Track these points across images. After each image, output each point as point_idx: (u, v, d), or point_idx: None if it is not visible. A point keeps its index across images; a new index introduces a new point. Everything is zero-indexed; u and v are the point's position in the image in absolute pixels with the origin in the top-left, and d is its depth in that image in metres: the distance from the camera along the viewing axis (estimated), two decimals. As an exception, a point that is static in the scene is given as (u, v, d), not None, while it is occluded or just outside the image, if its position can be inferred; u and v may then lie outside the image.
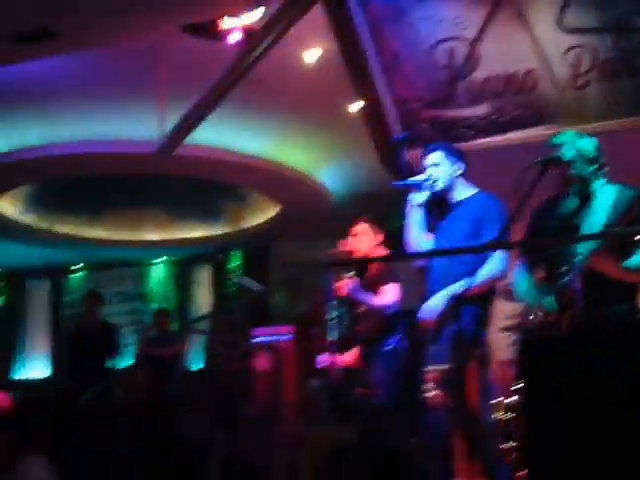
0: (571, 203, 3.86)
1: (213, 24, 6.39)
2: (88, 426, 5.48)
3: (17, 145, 9.15)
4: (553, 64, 5.22)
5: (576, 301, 3.61)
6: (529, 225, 4.01)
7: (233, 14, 6.20)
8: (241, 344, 6.73)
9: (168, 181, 10.39)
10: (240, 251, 13.02)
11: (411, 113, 5.67)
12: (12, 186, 10.35)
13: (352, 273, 5.53)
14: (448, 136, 5.26)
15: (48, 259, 13.44)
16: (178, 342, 9.98)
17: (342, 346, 5.63)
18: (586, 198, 3.83)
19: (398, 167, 4.77)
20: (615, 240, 3.63)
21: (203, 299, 13.37)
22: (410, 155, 5.16)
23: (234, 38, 6.25)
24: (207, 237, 12.46)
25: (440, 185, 4.37)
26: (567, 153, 3.81)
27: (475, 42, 5.35)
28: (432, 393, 4.17)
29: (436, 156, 4.41)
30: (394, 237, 5.35)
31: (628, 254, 3.66)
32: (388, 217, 5.79)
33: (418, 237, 4.38)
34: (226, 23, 6.32)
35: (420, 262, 4.60)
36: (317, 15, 5.62)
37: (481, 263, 4.08)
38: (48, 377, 13.52)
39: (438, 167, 4.38)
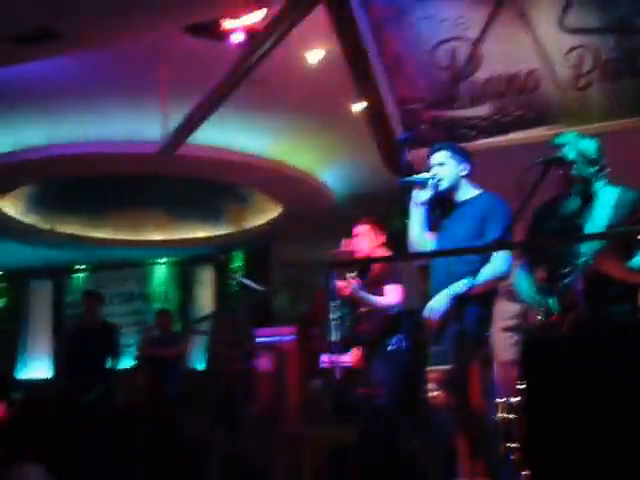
0: (573, 204, 3.86)
1: (215, 24, 6.40)
2: (89, 427, 5.48)
3: (19, 145, 9.16)
4: (555, 64, 5.22)
5: (578, 302, 3.61)
6: (530, 225, 4.01)
7: (235, 15, 6.22)
8: (243, 344, 6.74)
9: (170, 181, 10.40)
10: (242, 251, 13.04)
11: (413, 113, 5.67)
12: (15, 186, 10.37)
13: (354, 273, 5.53)
14: (450, 136, 5.26)
15: (50, 259, 13.45)
16: (180, 342, 9.98)
17: (344, 346, 5.63)
18: (588, 199, 3.83)
19: (400, 167, 4.76)
20: (619, 241, 3.63)
21: (205, 299, 13.38)
22: (412, 155, 5.16)
23: (237, 38, 6.26)
24: (209, 237, 12.47)
25: (445, 185, 4.36)
26: (569, 154, 3.81)
27: (477, 42, 5.35)
28: (434, 393, 4.17)
29: (442, 155, 4.40)
30: (396, 237, 5.35)
31: (631, 255, 3.66)
32: (390, 217, 5.78)
33: (419, 235, 4.38)
34: (228, 24, 6.33)
35: (422, 261, 4.59)
36: (319, 16, 5.62)
37: (484, 263, 4.08)
38: (50, 377, 13.54)
39: (443, 167, 4.37)
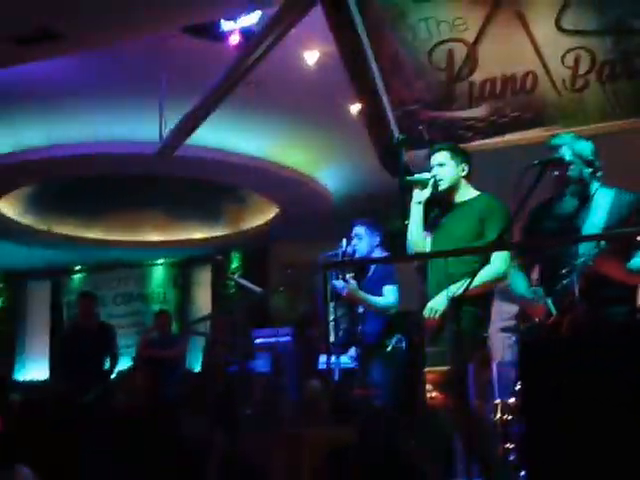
0: (569, 205, 3.87)
1: (214, 26, 6.41)
2: (88, 428, 5.48)
3: (19, 146, 9.16)
4: (552, 66, 5.22)
5: (577, 303, 3.62)
6: (526, 226, 4.02)
7: (233, 16, 6.22)
8: (241, 345, 6.74)
9: (168, 182, 10.40)
10: (240, 252, 13.03)
11: (410, 114, 5.67)
12: (15, 187, 10.37)
13: (352, 274, 5.54)
14: (447, 138, 5.25)
15: (49, 260, 13.45)
16: (178, 344, 9.97)
17: (342, 347, 5.64)
18: (584, 200, 3.84)
19: (397, 169, 4.77)
20: (618, 242, 3.64)
21: (203, 300, 13.38)
22: (409, 156, 5.16)
23: (234, 40, 6.27)
24: (207, 238, 12.47)
25: (445, 185, 4.38)
26: (566, 155, 3.83)
27: (474, 44, 5.35)
28: (432, 394, 4.18)
29: (442, 156, 4.42)
30: (394, 238, 5.36)
31: (630, 256, 3.67)
32: (388, 218, 5.79)
33: (418, 235, 4.39)
34: (226, 25, 6.33)
35: (420, 262, 4.60)
36: (316, 17, 5.62)
37: (482, 263, 4.09)
38: (49, 379, 13.52)
39: (443, 167, 4.39)
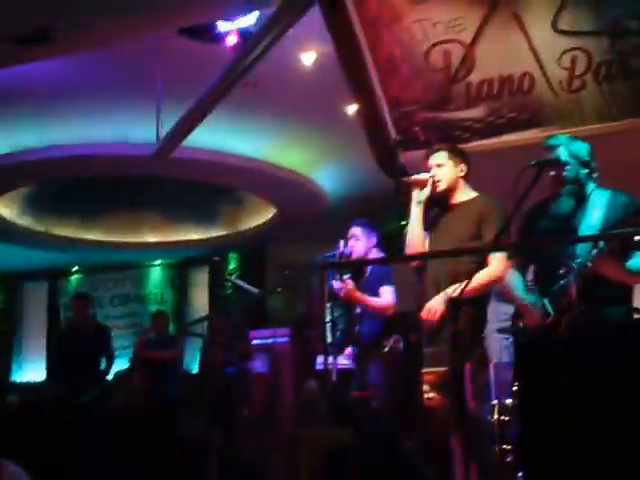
0: (565, 205, 3.87)
1: (211, 27, 6.41)
2: (86, 429, 5.48)
3: (16, 147, 9.16)
4: (549, 66, 5.23)
5: (574, 303, 3.62)
6: (521, 226, 4.02)
7: (230, 17, 6.23)
8: (238, 346, 6.73)
9: (165, 183, 10.40)
10: (237, 253, 13.03)
11: (407, 115, 5.67)
12: (11, 188, 10.36)
13: (349, 275, 5.54)
14: (444, 138, 5.26)
15: (46, 261, 13.43)
16: (176, 344, 9.97)
17: (339, 348, 5.64)
18: (581, 200, 3.85)
19: (394, 169, 4.78)
20: (616, 243, 3.64)
21: (200, 301, 13.38)
22: (406, 157, 5.17)
23: (231, 41, 6.27)
24: (204, 239, 12.47)
25: (443, 185, 4.38)
26: (562, 155, 3.83)
27: (471, 44, 5.36)
28: (430, 395, 4.18)
29: (440, 156, 4.42)
30: (390, 239, 5.37)
31: (628, 257, 3.68)
32: (384, 219, 5.80)
33: (418, 235, 4.39)
34: (223, 26, 6.34)
35: (417, 262, 4.59)
36: (313, 18, 5.62)
37: (480, 264, 4.09)
38: (46, 380, 13.51)
39: (442, 168, 4.39)
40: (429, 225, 4.44)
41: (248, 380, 6.29)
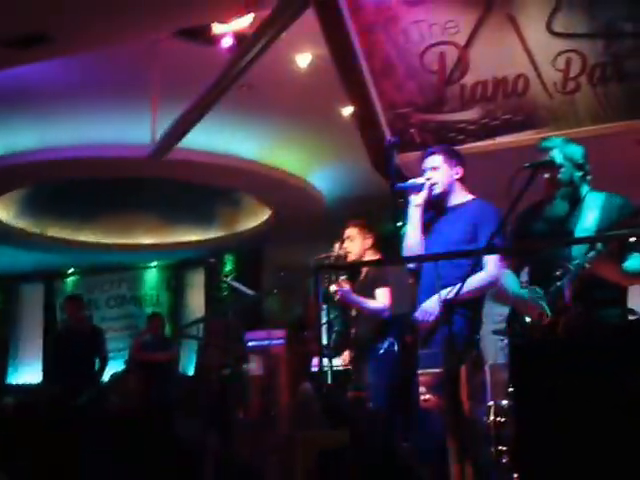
0: (560, 208, 3.87)
1: (206, 29, 6.41)
2: (82, 430, 5.48)
3: (11, 149, 9.15)
4: (543, 68, 5.25)
5: (571, 305, 3.63)
6: (515, 229, 4.03)
7: (226, 19, 6.22)
8: (234, 348, 6.73)
9: (161, 185, 10.40)
10: (233, 255, 13.03)
11: (402, 117, 5.69)
12: (6, 190, 10.35)
13: (345, 277, 5.54)
14: (439, 140, 5.28)
15: (41, 263, 13.42)
16: (172, 346, 9.98)
17: (335, 350, 5.64)
18: (575, 203, 3.85)
19: (389, 171, 4.78)
20: (614, 245, 3.64)
21: (196, 303, 13.37)
22: (401, 159, 5.18)
23: (227, 42, 6.27)
24: (200, 241, 12.47)
25: (439, 189, 4.37)
26: (556, 158, 3.84)
27: (465, 46, 5.37)
28: (425, 396, 4.18)
29: (435, 159, 4.40)
30: (386, 240, 5.36)
31: (624, 258, 3.68)
32: (380, 220, 5.80)
33: (416, 238, 4.39)
34: (218, 28, 6.33)
35: (413, 265, 4.60)
36: (308, 20, 5.63)
37: (475, 267, 4.09)
38: (42, 381, 13.50)
39: (437, 170, 4.38)
40: (425, 228, 4.43)
41: (244, 382, 6.29)
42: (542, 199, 3.96)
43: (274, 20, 5.68)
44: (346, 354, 5.77)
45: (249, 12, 5.87)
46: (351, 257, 5.60)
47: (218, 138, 8.91)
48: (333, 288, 5.49)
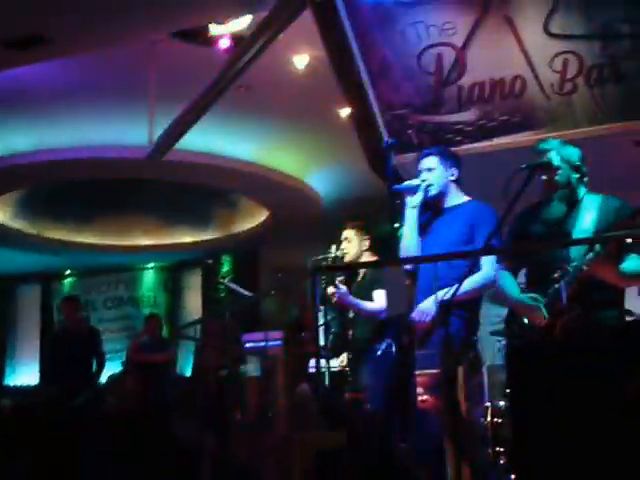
0: (557, 209, 3.87)
1: (203, 30, 6.42)
2: (80, 431, 5.48)
3: (8, 150, 9.14)
4: (540, 69, 5.25)
5: (568, 306, 3.63)
6: (512, 230, 4.03)
7: (223, 20, 6.23)
8: (232, 349, 6.73)
9: (158, 186, 10.40)
10: (230, 256, 13.03)
11: (399, 119, 5.69)
12: (4, 191, 10.35)
13: (342, 278, 5.54)
14: (436, 142, 5.28)
15: (39, 265, 13.41)
16: (169, 347, 9.97)
17: (332, 351, 5.64)
18: (573, 205, 3.85)
19: (386, 172, 4.78)
20: (612, 246, 3.65)
21: (193, 304, 13.37)
22: (398, 160, 5.18)
23: (224, 44, 6.28)
24: (197, 242, 12.47)
25: (435, 190, 4.37)
26: (554, 159, 3.84)
27: (462, 48, 5.38)
28: (423, 397, 4.18)
29: (431, 161, 4.40)
30: (383, 242, 5.37)
31: (622, 260, 3.69)
32: (377, 222, 5.80)
33: (412, 240, 4.39)
34: (216, 29, 6.34)
35: (410, 266, 4.60)
36: (306, 21, 5.63)
37: (472, 269, 4.09)
38: (39, 383, 13.49)
39: (432, 172, 4.38)
40: (422, 229, 4.43)
41: (241, 383, 6.29)
42: (539, 201, 3.96)
43: (271, 21, 5.68)
44: (343, 356, 5.77)
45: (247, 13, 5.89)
46: (348, 258, 5.60)
47: (216, 139, 8.92)
48: (330, 290, 5.48)
